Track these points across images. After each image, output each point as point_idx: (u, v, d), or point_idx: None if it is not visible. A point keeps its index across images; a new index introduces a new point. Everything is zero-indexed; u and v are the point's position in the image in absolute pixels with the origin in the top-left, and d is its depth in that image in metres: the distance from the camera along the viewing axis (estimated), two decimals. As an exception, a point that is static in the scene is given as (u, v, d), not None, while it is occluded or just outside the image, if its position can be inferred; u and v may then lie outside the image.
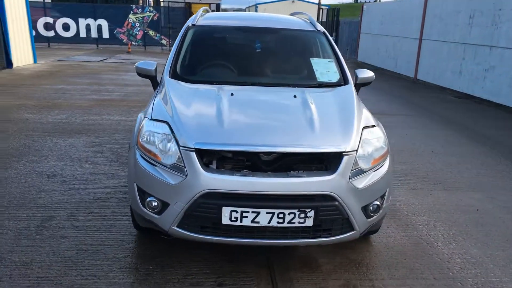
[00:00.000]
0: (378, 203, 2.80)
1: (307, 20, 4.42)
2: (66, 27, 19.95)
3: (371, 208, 2.78)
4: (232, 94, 3.15)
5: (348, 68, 3.81)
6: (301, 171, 2.62)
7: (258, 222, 2.53)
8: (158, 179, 2.63)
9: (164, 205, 2.64)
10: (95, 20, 19.95)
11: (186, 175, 2.55)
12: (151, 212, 2.70)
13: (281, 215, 2.53)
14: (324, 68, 3.72)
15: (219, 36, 4.06)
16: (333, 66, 3.76)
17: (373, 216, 2.82)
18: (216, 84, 3.41)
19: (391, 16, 15.57)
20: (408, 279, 2.92)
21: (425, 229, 3.63)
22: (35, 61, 13.15)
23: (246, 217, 2.52)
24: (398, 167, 5.14)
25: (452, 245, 3.40)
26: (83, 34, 20.04)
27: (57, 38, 19.89)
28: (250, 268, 2.95)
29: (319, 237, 2.66)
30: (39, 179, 4.27)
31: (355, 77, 3.86)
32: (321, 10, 26.74)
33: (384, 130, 3.10)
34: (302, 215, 2.54)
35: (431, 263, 3.13)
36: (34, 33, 18.99)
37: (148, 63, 3.77)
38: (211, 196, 2.51)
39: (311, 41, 4.11)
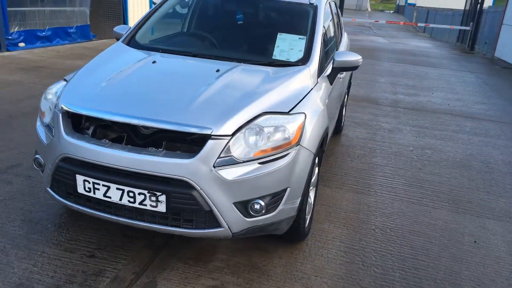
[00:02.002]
0: (262, 202, 2.36)
1: None
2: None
3: (253, 206, 2.37)
4: (154, 62, 2.97)
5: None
6: (161, 149, 2.35)
7: (110, 197, 2.36)
8: (39, 137, 2.64)
9: (44, 165, 2.63)
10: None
11: (53, 137, 2.49)
12: (39, 169, 2.72)
13: (131, 194, 2.31)
14: (289, 45, 3.23)
15: (196, 4, 3.83)
16: (302, 44, 3.25)
17: (256, 216, 2.40)
18: (161, 52, 3.24)
19: (539, 6, 12.96)
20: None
21: (377, 251, 2.97)
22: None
23: (98, 189, 2.36)
24: (423, 177, 4.29)
25: (395, 276, 2.72)
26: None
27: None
28: (136, 247, 2.78)
29: (179, 226, 2.37)
30: (45, 131, 4.65)
31: (332, 60, 3.31)
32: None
33: (307, 122, 2.56)
34: (153, 198, 2.28)
35: (341, 289, 2.55)
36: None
37: (124, 27, 3.78)
38: (68, 161, 2.42)
39: (295, 15, 3.61)
